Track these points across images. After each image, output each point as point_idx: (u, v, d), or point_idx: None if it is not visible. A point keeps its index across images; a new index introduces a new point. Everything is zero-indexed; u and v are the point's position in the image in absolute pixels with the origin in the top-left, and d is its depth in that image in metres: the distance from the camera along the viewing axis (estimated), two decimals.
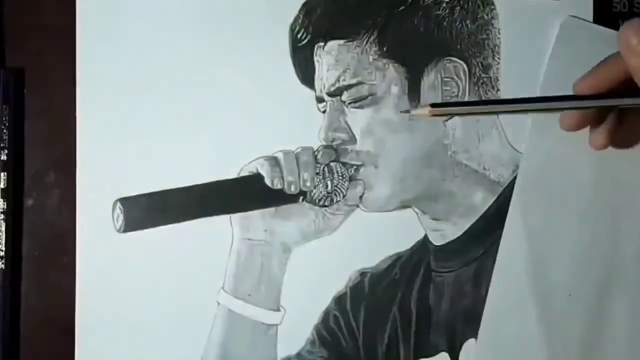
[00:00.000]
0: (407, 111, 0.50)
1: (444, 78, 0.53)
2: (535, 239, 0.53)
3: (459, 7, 0.53)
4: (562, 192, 0.53)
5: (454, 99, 0.53)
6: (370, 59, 0.52)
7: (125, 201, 0.51)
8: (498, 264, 0.53)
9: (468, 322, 0.53)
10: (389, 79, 0.52)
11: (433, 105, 0.45)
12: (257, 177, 0.52)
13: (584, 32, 0.54)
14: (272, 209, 0.52)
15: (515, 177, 0.54)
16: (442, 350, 0.53)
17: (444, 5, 0.53)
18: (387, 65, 0.52)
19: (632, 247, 0.52)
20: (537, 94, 0.53)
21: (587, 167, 0.53)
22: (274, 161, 0.52)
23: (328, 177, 0.52)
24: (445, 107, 0.47)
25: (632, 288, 0.52)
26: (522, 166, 0.53)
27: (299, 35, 0.52)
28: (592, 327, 0.52)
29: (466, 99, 0.53)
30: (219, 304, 0.52)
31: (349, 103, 0.52)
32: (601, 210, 0.53)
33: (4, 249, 0.51)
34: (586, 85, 0.48)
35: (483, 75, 0.54)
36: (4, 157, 0.51)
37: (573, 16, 0.54)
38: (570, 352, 0.53)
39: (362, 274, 0.53)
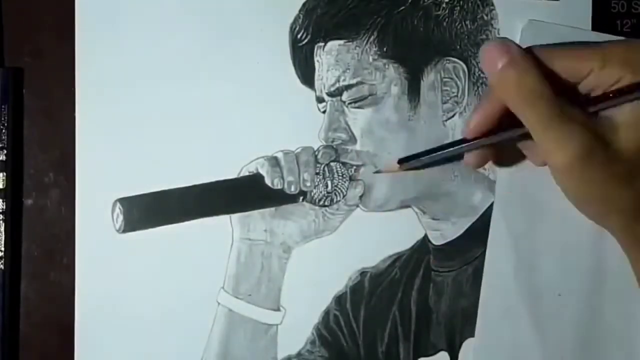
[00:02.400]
0: (379, 171, 0.52)
1: (443, 78, 0.53)
2: (520, 244, 0.53)
3: (458, 8, 0.54)
4: (542, 195, 0.53)
5: (454, 99, 0.53)
6: (370, 59, 0.53)
7: (125, 201, 0.51)
8: (486, 270, 0.53)
9: (468, 321, 0.54)
10: (389, 79, 0.53)
11: (400, 160, 0.49)
12: (257, 177, 0.52)
13: (546, 33, 0.53)
14: (272, 209, 0.52)
15: None
16: (442, 350, 0.54)
17: (444, 5, 0.53)
18: (387, 66, 0.53)
19: (617, 243, 0.52)
20: None
21: None
22: (274, 161, 0.52)
23: (328, 177, 0.52)
24: (412, 161, 0.50)
25: (620, 284, 0.53)
26: (499, 174, 0.54)
27: (299, 36, 0.52)
28: (584, 325, 0.53)
29: (466, 98, 0.54)
30: (219, 304, 0.52)
31: (349, 103, 0.53)
32: None
33: (3, 249, 0.51)
34: (471, 128, 0.48)
35: (482, 75, 0.54)
36: (3, 158, 0.51)
37: (533, 20, 0.54)
38: (564, 350, 0.53)
39: (362, 273, 0.53)
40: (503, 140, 0.49)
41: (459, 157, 0.51)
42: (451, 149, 0.50)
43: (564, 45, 0.47)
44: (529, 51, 0.46)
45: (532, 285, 0.53)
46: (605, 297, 0.52)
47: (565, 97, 0.45)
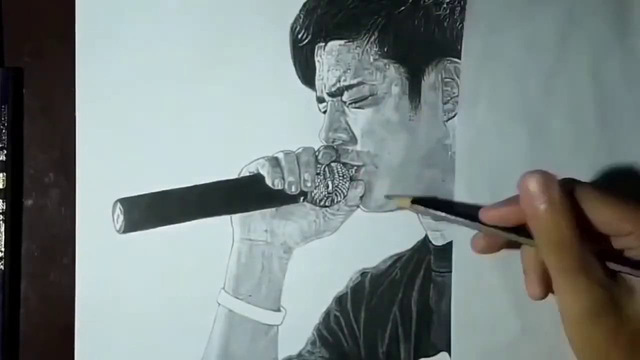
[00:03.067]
0: (389, 197, 0.52)
1: (444, 78, 0.53)
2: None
3: (459, 8, 0.53)
4: (502, 161, 0.53)
5: (454, 99, 0.53)
6: (371, 59, 0.52)
7: (126, 201, 0.51)
8: (455, 248, 0.53)
9: None
10: (389, 79, 0.53)
11: (414, 201, 0.50)
12: (257, 178, 0.52)
13: None
14: (272, 210, 0.52)
15: None
16: (443, 350, 0.54)
17: (445, 5, 0.53)
18: (387, 66, 0.53)
19: None
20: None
21: (522, 132, 0.53)
22: (274, 161, 0.52)
23: (329, 178, 0.52)
24: (424, 207, 0.50)
25: None
26: (458, 144, 0.53)
27: (299, 36, 0.52)
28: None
29: None
30: (219, 304, 0.52)
31: (349, 103, 0.52)
32: None
33: (3, 249, 0.51)
34: (488, 216, 0.48)
35: None
36: (3, 158, 0.51)
37: None
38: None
39: (363, 274, 0.53)
40: (512, 239, 0.48)
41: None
42: (463, 219, 0.49)
43: (609, 197, 0.46)
44: (570, 192, 0.45)
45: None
46: None
47: (591, 246, 0.44)
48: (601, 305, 0.44)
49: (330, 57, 0.52)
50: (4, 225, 0.51)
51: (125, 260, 0.51)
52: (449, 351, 0.54)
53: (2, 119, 0.51)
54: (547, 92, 0.53)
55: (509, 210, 0.47)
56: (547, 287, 0.49)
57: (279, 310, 0.52)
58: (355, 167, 0.53)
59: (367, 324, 0.54)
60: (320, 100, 0.53)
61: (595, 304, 0.44)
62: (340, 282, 0.53)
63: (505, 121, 0.53)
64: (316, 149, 0.52)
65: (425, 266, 0.54)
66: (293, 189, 0.52)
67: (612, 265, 0.45)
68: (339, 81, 0.52)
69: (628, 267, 0.45)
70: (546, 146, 0.53)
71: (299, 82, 0.53)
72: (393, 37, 0.53)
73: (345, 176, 0.52)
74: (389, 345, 0.53)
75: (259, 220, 0.52)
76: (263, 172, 0.51)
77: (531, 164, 0.50)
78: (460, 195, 0.53)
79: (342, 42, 0.52)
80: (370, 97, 0.52)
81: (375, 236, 0.53)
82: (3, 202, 0.51)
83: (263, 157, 0.52)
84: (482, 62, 0.53)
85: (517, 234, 0.48)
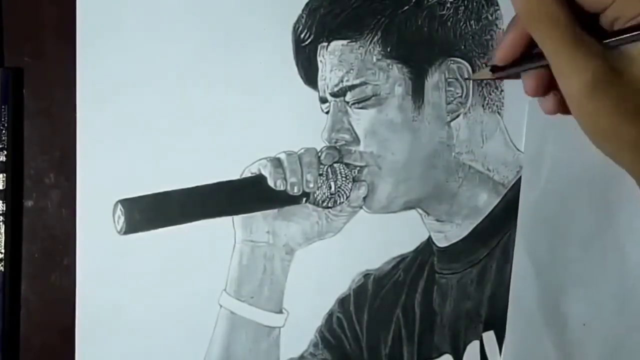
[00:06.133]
0: (467, 79, 0.51)
1: (447, 78, 0.53)
2: (544, 272, 0.53)
3: (463, 8, 0.53)
4: (563, 223, 0.53)
5: (458, 100, 0.53)
6: (374, 60, 0.52)
7: (126, 202, 0.50)
8: (511, 302, 0.53)
9: (472, 324, 0.54)
10: (392, 79, 0.52)
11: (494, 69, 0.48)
12: (259, 179, 0.51)
13: None
14: (274, 211, 0.52)
15: (519, 179, 0.54)
16: (446, 352, 0.53)
17: (448, 5, 0.53)
18: (390, 66, 0.52)
19: None
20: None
21: (583, 195, 0.53)
22: (276, 162, 0.51)
23: (331, 179, 0.52)
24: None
25: None
26: (521, 203, 0.53)
27: (302, 35, 0.52)
28: (608, 354, 0.53)
29: (470, 99, 0.53)
30: (221, 306, 0.52)
31: (352, 104, 0.52)
32: (605, 236, 0.53)
33: (3, 250, 0.50)
34: (500, 56, 0.47)
35: None
36: (3, 158, 0.51)
37: None
38: None
39: (366, 275, 0.53)
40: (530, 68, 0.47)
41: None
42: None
43: None
44: None
45: (556, 314, 0.52)
46: (630, 326, 0.52)
47: (584, 26, 0.43)
48: (601, 77, 0.42)
49: (333, 57, 0.52)
50: (4, 226, 0.50)
51: (126, 262, 0.51)
52: (452, 353, 0.53)
53: (2, 119, 0.51)
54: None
55: (515, 35, 0.45)
56: (561, 104, 0.47)
57: (281, 312, 0.52)
58: (358, 168, 0.52)
59: (370, 326, 0.53)
60: (323, 100, 0.53)
61: (595, 76, 0.42)
62: (342, 283, 0.53)
63: (567, 185, 0.53)
64: (319, 149, 0.52)
65: (428, 268, 0.54)
66: (295, 189, 0.51)
67: (606, 41, 0.43)
68: (342, 81, 0.52)
69: (621, 34, 0.42)
70: (607, 209, 0.53)
71: (301, 82, 0.52)
72: (396, 37, 0.52)
73: (348, 177, 0.52)
74: (392, 348, 0.53)
75: (260, 221, 0.52)
76: (265, 172, 0.51)
77: (595, 224, 0.51)
78: (520, 252, 0.53)
79: (344, 42, 0.52)
80: (373, 98, 0.52)
81: (378, 237, 0.53)
82: (3, 203, 0.50)
83: (265, 158, 0.52)
84: (546, 123, 0.52)
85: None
